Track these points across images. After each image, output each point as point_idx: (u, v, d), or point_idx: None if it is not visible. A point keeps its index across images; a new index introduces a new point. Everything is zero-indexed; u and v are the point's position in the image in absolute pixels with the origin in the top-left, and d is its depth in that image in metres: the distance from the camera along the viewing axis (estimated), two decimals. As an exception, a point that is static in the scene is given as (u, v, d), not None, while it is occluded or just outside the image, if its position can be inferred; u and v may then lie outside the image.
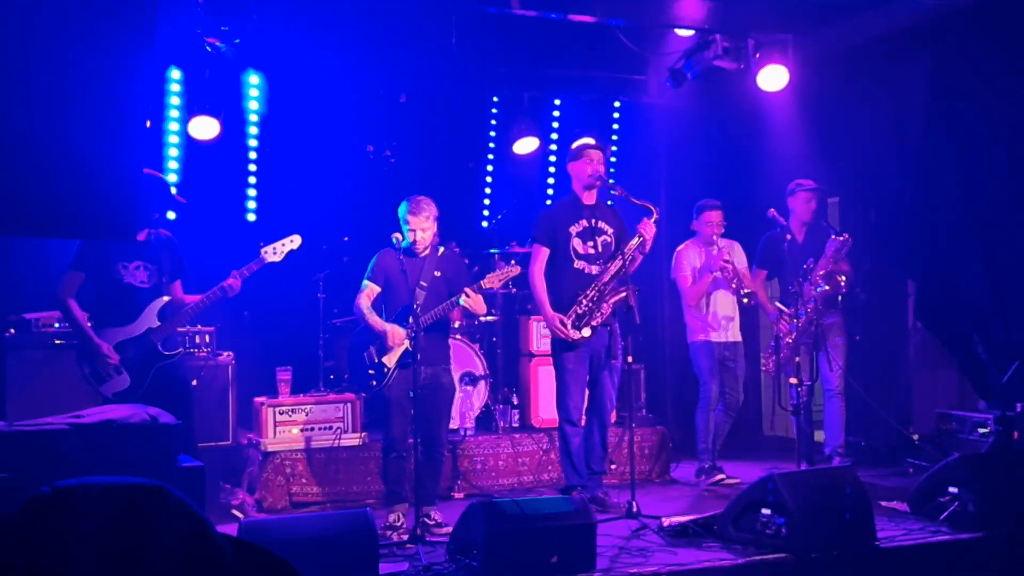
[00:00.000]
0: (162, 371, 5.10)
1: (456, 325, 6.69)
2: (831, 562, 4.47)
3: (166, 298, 5.18)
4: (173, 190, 5.81)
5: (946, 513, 5.01)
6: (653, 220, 5.70)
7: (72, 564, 0.99)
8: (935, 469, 5.29)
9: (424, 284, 5.36)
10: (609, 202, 6.40)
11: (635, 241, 5.71)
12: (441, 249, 5.56)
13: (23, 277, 6.15)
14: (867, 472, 6.41)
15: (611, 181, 7.81)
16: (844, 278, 6.45)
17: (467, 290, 5.28)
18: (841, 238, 6.44)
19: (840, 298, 6.59)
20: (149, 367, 5.07)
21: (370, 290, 5.43)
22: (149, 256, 5.14)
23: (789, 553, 4.45)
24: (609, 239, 5.82)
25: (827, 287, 6.41)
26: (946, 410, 6.77)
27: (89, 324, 5.03)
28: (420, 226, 5.35)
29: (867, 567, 4.57)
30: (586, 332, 5.61)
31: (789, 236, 6.69)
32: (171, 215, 6.12)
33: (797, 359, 6.26)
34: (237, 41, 6.02)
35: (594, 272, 5.72)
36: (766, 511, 4.57)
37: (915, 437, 7.06)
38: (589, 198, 5.85)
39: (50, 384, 5.63)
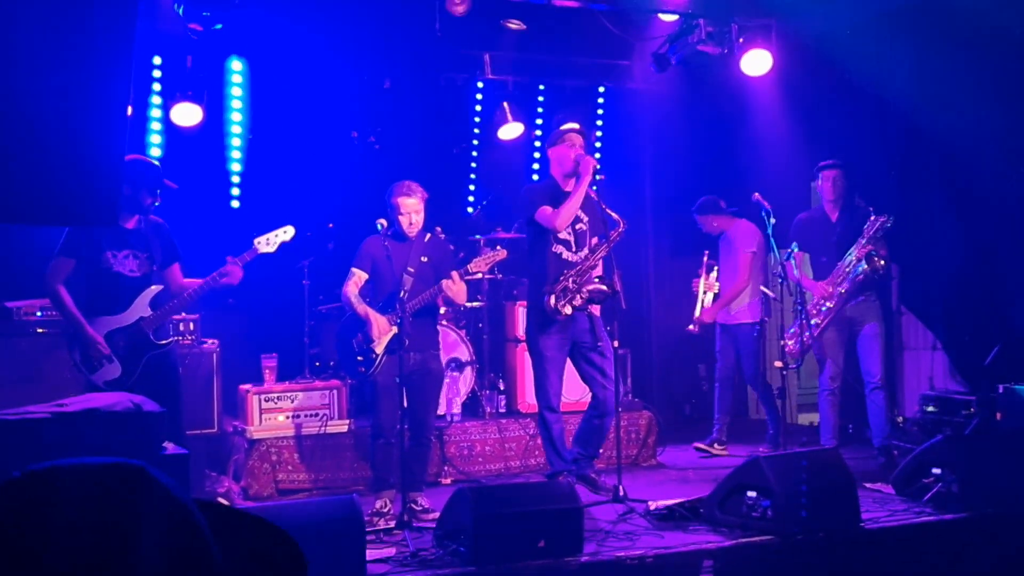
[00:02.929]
0: (153, 360, 5.04)
1: (442, 311, 6.68)
2: (817, 543, 4.50)
3: (158, 287, 5.13)
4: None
5: (930, 494, 5.04)
6: (619, 231, 5.47)
7: (48, 549, 0.98)
8: (919, 450, 5.32)
9: (411, 270, 5.34)
10: (594, 187, 6.34)
11: (620, 229, 5.61)
12: (428, 235, 5.54)
13: (5, 264, 6.09)
14: (852, 454, 6.46)
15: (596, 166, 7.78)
16: (883, 261, 6.29)
17: (454, 274, 5.26)
18: (882, 219, 6.29)
19: (877, 280, 6.44)
20: (140, 356, 5.01)
21: (357, 277, 5.40)
22: (139, 244, 5.07)
23: (775, 535, 4.48)
24: (584, 227, 5.63)
25: (866, 267, 6.30)
26: (930, 392, 6.81)
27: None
28: (414, 209, 5.32)
29: (852, 548, 4.60)
30: (567, 310, 5.46)
31: (822, 215, 6.66)
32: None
33: (807, 336, 6.25)
34: (219, 26, 5.96)
35: (571, 259, 5.56)
36: (752, 494, 4.59)
37: (899, 419, 7.11)
38: (567, 184, 5.63)
39: (32, 372, 5.59)
